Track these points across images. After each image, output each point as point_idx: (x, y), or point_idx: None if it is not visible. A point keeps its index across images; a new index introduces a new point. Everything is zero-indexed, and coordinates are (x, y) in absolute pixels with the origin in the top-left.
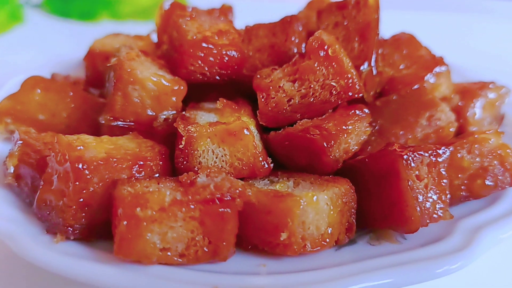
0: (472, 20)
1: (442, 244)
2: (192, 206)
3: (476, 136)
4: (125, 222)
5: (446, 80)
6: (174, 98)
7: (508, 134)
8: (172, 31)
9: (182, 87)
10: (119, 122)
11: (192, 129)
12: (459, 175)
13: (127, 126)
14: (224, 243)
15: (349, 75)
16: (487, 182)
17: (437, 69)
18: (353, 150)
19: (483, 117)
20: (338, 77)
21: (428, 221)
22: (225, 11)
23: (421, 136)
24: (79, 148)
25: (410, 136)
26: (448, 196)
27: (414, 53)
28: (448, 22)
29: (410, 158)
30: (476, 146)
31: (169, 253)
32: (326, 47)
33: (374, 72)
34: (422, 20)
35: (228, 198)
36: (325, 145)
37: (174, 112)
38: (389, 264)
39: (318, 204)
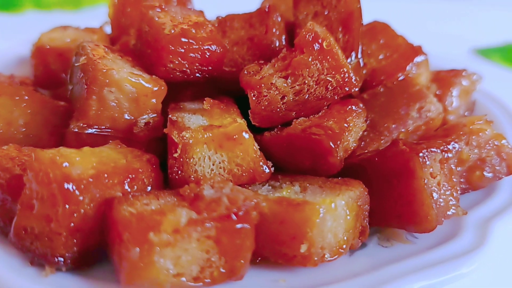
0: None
1: (458, 242)
2: (208, 225)
3: (471, 127)
4: (137, 249)
5: (426, 70)
6: (154, 100)
7: None
8: (142, 24)
9: (162, 88)
10: (93, 130)
11: (187, 135)
12: (458, 168)
13: (103, 133)
14: (242, 261)
15: (345, 69)
16: (485, 173)
17: (417, 59)
18: (352, 147)
19: (459, 105)
20: (333, 71)
21: (442, 218)
22: (183, 0)
23: (412, 128)
24: (64, 165)
25: (402, 130)
26: (459, 191)
27: (391, 42)
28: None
29: (425, 155)
30: (473, 137)
31: (183, 279)
32: (320, 40)
33: (361, 63)
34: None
35: (243, 212)
36: (332, 145)
37: (155, 115)
38: (414, 269)
39: (336, 211)
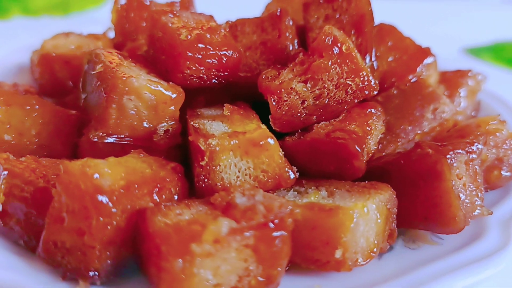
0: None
1: (485, 242)
2: (247, 234)
3: (487, 127)
4: (180, 261)
5: (435, 71)
6: (172, 107)
7: None
8: (155, 30)
9: (181, 95)
10: (112, 138)
11: (213, 143)
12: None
13: (122, 142)
14: (279, 269)
15: (364, 73)
16: (503, 172)
17: (426, 60)
18: (372, 151)
19: (467, 105)
20: (353, 75)
21: (469, 219)
22: (186, 4)
23: (428, 129)
24: (95, 176)
25: (418, 131)
26: (484, 192)
27: (400, 44)
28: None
29: (452, 158)
30: (490, 137)
31: None
32: (339, 44)
33: (375, 66)
34: None
35: (278, 220)
36: (357, 149)
37: (173, 122)
38: (447, 270)
39: (368, 215)
